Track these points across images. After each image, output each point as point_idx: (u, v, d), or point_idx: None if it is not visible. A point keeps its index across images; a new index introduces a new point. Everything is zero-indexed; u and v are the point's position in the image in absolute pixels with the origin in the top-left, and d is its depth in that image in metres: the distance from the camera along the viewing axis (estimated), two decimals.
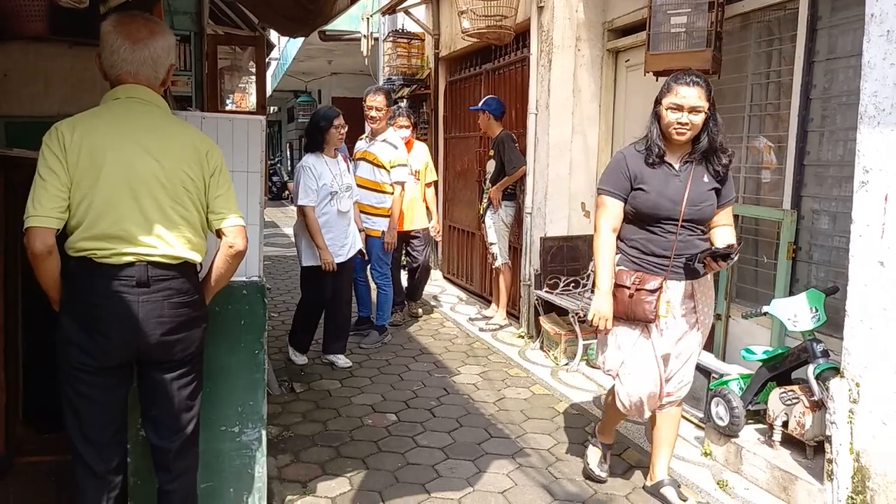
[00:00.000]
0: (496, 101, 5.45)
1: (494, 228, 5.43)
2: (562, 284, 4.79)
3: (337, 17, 2.61)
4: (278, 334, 5.41)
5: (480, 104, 5.46)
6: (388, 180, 5.01)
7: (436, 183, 5.99)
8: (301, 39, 9.43)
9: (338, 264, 4.36)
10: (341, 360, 4.62)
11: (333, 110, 4.52)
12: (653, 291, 2.59)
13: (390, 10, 7.34)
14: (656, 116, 2.67)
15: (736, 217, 3.62)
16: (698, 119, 2.57)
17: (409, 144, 5.61)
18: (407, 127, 5.67)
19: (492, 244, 5.45)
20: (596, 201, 2.82)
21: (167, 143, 1.93)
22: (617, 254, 2.75)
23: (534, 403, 4.01)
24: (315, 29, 3.01)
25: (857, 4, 2.62)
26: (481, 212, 5.59)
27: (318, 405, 3.95)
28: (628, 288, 2.63)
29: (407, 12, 7.25)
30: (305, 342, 4.70)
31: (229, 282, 2.15)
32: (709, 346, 3.76)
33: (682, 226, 2.62)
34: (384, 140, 5.06)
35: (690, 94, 2.55)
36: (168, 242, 1.91)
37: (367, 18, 8.13)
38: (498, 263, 5.47)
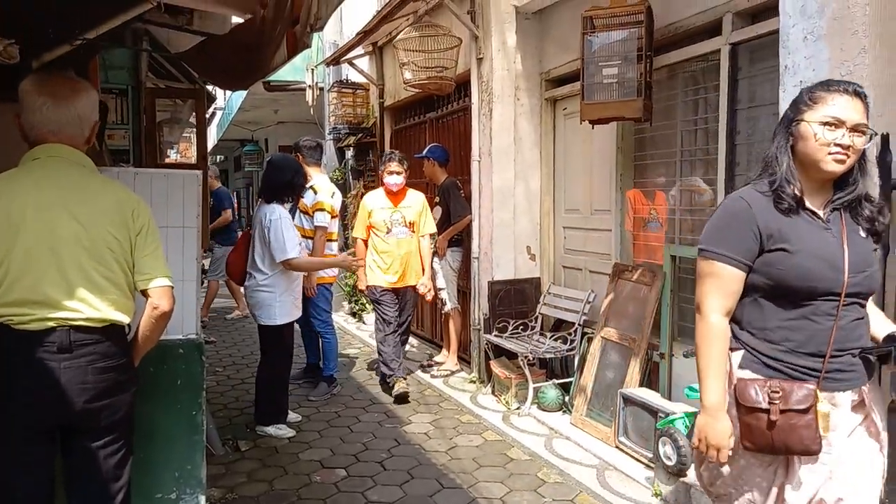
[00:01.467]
0: (440, 149, 5.55)
1: (442, 274, 5.45)
2: (511, 328, 4.82)
3: (275, 72, 2.63)
4: (223, 389, 5.25)
5: (425, 152, 5.56)
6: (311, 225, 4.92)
7: (433, 235, 5.33)
8: (246, 91, 9.43)
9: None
10: (291, 416, 4.48)
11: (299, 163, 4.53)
12: (806, 410, 1.72)
13: (334, 62, 7.43)
14: (789, 138, 1.84)
15: (673, 258, 3.75)
16: (861, 142, 1.78)
17: (401, 193, 5.12)
18: (398, 173, 5.06)
19: (441, 289, 5.45)
20: (698, 268, 1.92)
21: (89, 203, 1.89)
22: (735, 350, 1.86)
23: (486, 450, 3.97)
24: (253, 83, 3.02)
25: (772, 56, 2.78)
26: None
27: (264, 463, 3.81)
28: (765, 409, 1.74)
29: (351, 63, 7.36)
30: (286, 405, 4.42)
31: (166, 340, 2.09)
32: (654, 385, 3.83)
33: (843, 305, 1.77)
34: (310, 186, 4.94)
35: (853, 107, 1.78)
36: (92, 305, 1.85)
37: (312, 69, 8.21)
38: (447, 308, 5.48)
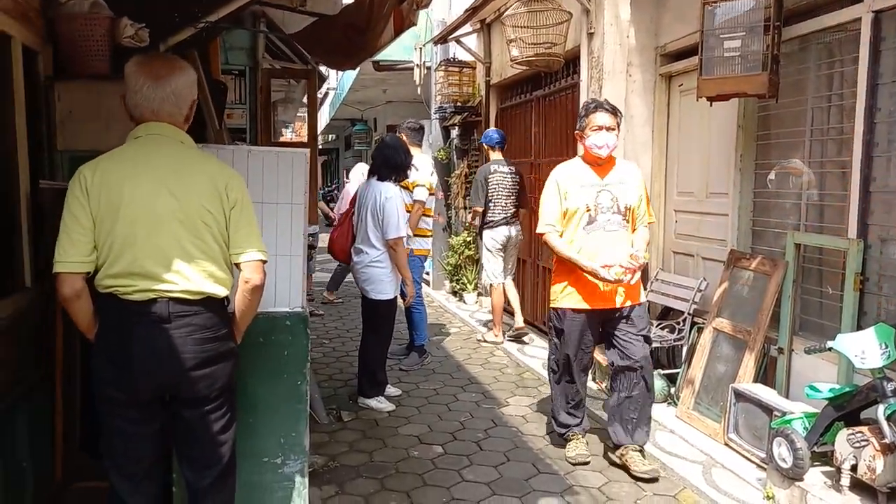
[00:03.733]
0: (501, 134, 6.07)
1: (483, 251, 5.95)
2: None
3: (382, 50, 2.64)
4: (328, 361, 5.45)
5: (499, 137, 5.96)
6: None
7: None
8: (357, 70, 9.63)
9: None
10: (391, 390, 4.60)
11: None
12: None
13: (442, 40, 7.43)
14: None
15: (798, 246, 3.47)
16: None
17: (609, 162, 3.47)
18: (610, 129, 3.41)
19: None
20: None
21: (185, 178, 1.95)
22: None
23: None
24: (361, 62, 3.06)
25: None
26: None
27: (364, 435, 3.93)
28: None
29: (458, 41, 7.33)
30: (384, 380, 4.54)
31: (273, 312, 2.16)
32: (770, 381, 3.59)
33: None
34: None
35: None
36: (187, 277, 1.92)
37: (420, 48, 8.26)
38: (483, 282, 6.11)
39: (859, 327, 3.11)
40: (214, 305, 1.99)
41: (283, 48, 4.52)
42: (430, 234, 5.55)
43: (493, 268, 5.83)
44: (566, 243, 3.40)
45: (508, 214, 5.75)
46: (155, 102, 1.98)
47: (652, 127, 4.84)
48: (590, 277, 3.33)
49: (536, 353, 5.60)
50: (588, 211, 3.38)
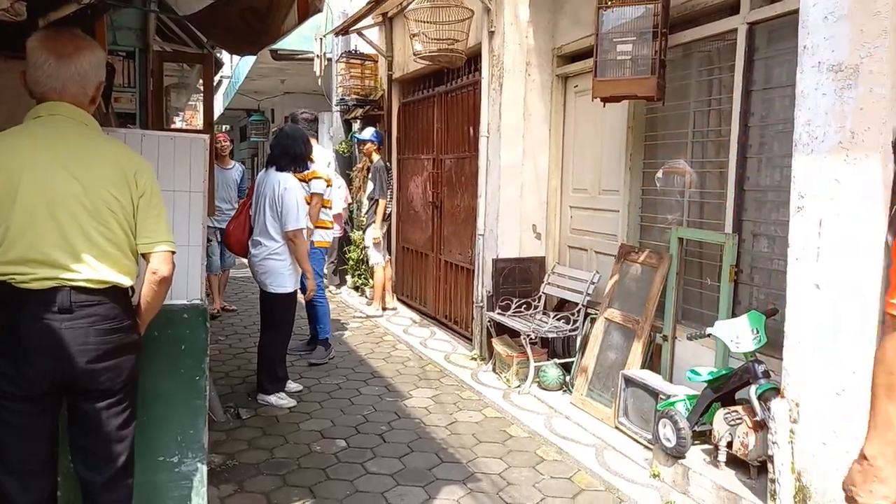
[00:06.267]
0: (379, 133, 6.91)
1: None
2: (514, 306, 4.81)
3: (285, 36, 2.58)
4: (226, 358, 5.27)
5: (371, 135, 6.80)
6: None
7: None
8: (253, 58, 9.33)
9: None
10: (291, 386, 4.51)
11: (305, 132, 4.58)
12: None
13: (343, 31, 7.33)
14: None
15: (681, 240, 3.72)
16: None
17: None
18: None
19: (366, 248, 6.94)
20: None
21: (90, 163, 1.86)
22: None
23: (485, 427, 3.98)
24: (263, 47, 2.98)
25: (791, 37, 2.73)
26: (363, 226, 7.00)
27: (264, 432, 3.84)
28: None
29: (360, 34, 7.26)
30: (285, 376, 4.44)
31: (170, 304, 2.08)
32: (656, 367, 3.82)
33: None
34: None
35: None
36: (91, 266, 1.83)
37: (321, 39, 8.11)
38: (372, 262, 6.85)
39: (734, 315, 3.38)
40: (118, 296, 1.91)
41: (177, 30, 4.30)
42: (330, 225, 5.53)
43: (379, 251, 6.74)
44: None
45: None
46: (59, 81, 1.87)
47: (549, 125, 5.02)
48: None
49: (438, 346, 5.68)
50: None
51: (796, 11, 2.67)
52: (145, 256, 1.94)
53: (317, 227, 5.17)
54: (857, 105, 2.36)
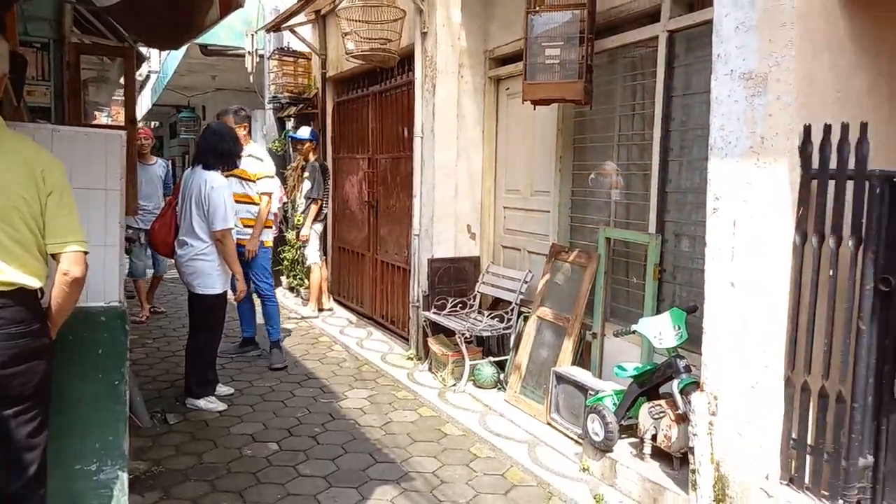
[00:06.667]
0: (315, 132, 6.87)
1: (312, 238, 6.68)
2: (449, 305, 4.84)
3: (207, 31, 2.52)
4: (152, 362, 5.10)
5: (308, 135, 6.70)
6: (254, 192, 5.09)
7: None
8: (182, 53, 9.04)
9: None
10: (222, 389, 4.40)
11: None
12: None
13: (275, 28, 7.20)
14: None
15: (608, 240, 3.83)
16: None
17: None
18: None
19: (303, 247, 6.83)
20: None
21: None
22: None
23: (420, 426, 4.00)
24: (186, 42, 2.90)
25: (707, 45, 2.85)
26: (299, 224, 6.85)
27: (193, 437, 3.74)
28: None
29: (293, 31, 7.15)
30: (214, 379, 4.34)
31: (87, 307, 2.00)
32: (586, 363, 3.92)
33: None
34: (249, 154, 5.04)
35: None
36: None
37: (252, 35, 7.93)
38: (309, 262, 6.76)
39: (658, 312, 3.51)
40: (26, 298, 1.83)
41: (96, 22, 4.12)
42: (271, 224, 5.41)
43: (316, 251, 6.72)
44: None
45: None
46: None
47: (483, 127, 5.08)
48: None
49: (375, 346, 5.66)
50: None
51: (712, 21, 2.79)
52: (55, 257, 1.87)
53: (250, 227, 5.07)
54: (766, 111, 2.49)
